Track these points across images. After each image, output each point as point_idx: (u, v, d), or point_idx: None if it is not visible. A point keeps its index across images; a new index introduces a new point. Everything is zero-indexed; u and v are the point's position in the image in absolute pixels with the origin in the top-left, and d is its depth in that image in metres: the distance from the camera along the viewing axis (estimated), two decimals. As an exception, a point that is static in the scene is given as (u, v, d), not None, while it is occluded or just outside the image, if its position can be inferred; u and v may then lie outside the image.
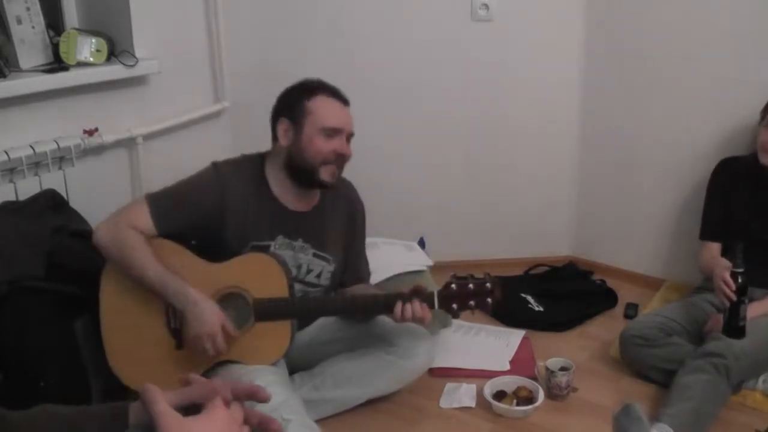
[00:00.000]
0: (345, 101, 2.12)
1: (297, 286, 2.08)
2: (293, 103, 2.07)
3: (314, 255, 2.15)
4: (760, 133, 2.42)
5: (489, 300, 1.99)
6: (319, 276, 2.16)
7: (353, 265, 2.29)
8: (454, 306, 2.00)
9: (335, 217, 2.21)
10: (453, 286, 2.00)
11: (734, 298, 2.16)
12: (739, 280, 2.17)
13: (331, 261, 2.18)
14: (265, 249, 2.05)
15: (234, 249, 2.00)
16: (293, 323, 2.02)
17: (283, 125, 2.07)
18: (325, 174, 2.05)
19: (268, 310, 1.96)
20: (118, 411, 0.88)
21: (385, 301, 2.03)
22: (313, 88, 2.09)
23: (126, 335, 1.99)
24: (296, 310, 2.02)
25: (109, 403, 0.92)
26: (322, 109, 2.05)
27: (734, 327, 2.18)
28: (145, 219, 1.95)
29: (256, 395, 0.90)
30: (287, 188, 2.10)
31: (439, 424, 2.22)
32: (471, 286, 2.00)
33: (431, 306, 2.00)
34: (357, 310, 2.12)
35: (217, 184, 2.02)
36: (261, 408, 1.00)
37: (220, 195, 2.01)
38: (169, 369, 1.98)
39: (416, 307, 1.98)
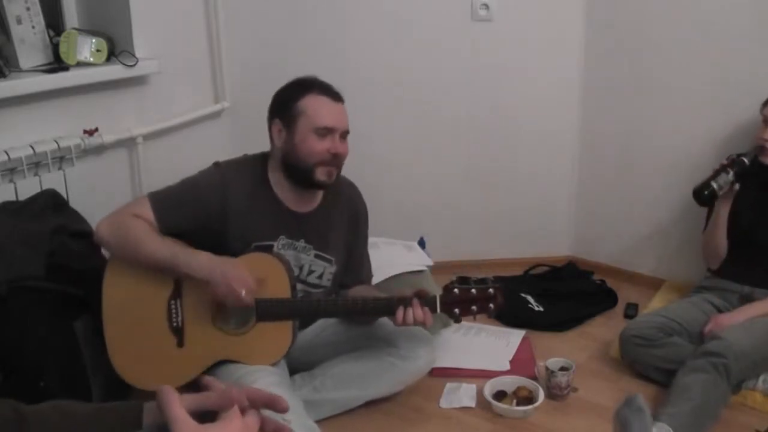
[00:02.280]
0: (338, 98, 2.07)
1: (298, 287, 2.08)
2: (285, 103, 2.05)
3: (316, 256, 2.14)
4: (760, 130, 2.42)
5: (491, 306, 1.98)
6: (320, 277, 2.16)
7: (355, 266, 2.28)
8: (456, 311, 1.98)
9: (338, 218, 2.20)
10: (455, 291, 1.98)
11: (725, 162, 2.29)
12: (739, 160, 2.30)
13: (333, 262, 2.17)
14: (267, 249, 2.05)
15: (236, 249, 2.00)
16: (295, 324, 2.01)
17: (277, 126, 2.06)
18: (321, 174, 2.03)
19: (270, 310, 1.96)
20: (132, 411, 0.87)
21: (386, 304, 2.01)
22: (305, 87, 2.05)
23: (128, 334, 1.99)
24: (298, 310, 2.01)
25: (124, 402, 0.90)
26: (313, 109, 2.02)
27: (703, 185, 2.26)
28: (147, 214, 1.95)
29: (274, 405, 0.88)
30: (288, 189, 2.09)
31: (439, 424, 2.22)
32: (474, 291, 1.98)
33: (433, 310, 1.99)
34: (358, 312, 2.08)
35: (220, 183, 2.02)
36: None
37: (222, 194, 2.01)
38: (170, 367, 1.98)
39: (418, 311, 1.96)
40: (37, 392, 1.86)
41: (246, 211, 2.03)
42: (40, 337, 1.90)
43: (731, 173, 2.30)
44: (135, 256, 1.92)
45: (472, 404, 2.28)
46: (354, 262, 2.27)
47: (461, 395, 2.32)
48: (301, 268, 2.12)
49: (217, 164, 2.08)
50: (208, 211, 2.00)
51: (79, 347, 2.01)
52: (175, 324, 1.99)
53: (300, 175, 2.04)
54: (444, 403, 2.30)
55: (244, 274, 1.89)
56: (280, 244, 2.07)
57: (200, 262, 1.90)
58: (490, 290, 1.98)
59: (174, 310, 1.98)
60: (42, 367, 1.89)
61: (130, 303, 1.98)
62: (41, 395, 1.86)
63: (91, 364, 2.03)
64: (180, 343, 1.98)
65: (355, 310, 2.07)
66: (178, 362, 1.98)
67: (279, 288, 1.97)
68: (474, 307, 1.98)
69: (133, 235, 1.91)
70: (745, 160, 2.34)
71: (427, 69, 3.04)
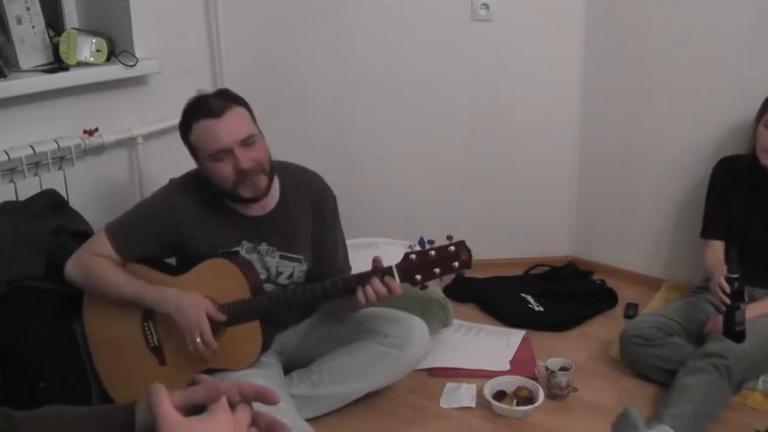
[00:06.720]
0: (219, 112, 1.92)
1: (271, 288, 2.08)
2: (183, 138, 2.01)
3: (281, 257, 2.10)
4: (760, 134, 2.39)
5: (455, 264, 1.86)
6: (290, 277, 2.13)
7: (329, 258, 2.20)
8: (418, 277, 1.87)
9: (301, 214, 2.13)
10: (412, 256, 1.88)
11: (728, 302, 2.17)
12: (735, 285, 2.17)
13: (302, 261, 2.13)
14: (234, 255, 2.04)
15: (201, 260, 2.01)
16: (264, 323, 2.01)
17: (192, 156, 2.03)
18: (244, 191, 1.96)
19: (234, 314, 1.97)
20: (125, 411, 0.87)
21: (344, 285, 1.94)
22: (188, 117, 1.97)
23: (112, 359, 2.03)
24: (260, 308, 1.98)
25: (118, 404, 0.90)
26: (200, 139, 1.94)
27: (732, 332, 2.16)
28: (107, 249, 1.98)
29: (264, 397, 0.88)
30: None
31: (439, 424, 2.22)
32: (432, 253, 1.87)
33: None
34: (319, 297, 2.00)
35: (170, 205, 2.02)
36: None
37: (171, 213, 2.01)
38: None
39: (377, 285, 1.88)
40: (37, 392, 1.86)
41: (200, 225, 2.02)
42: (40, 337, 1.90)
43: (742, 307, 2.17)
44: (103, 294, 1.96)
45: (472, 404, 2.28)
46: (327, 254, 2.19)
47: (461, 395, 2.32)
48: (268, 271, 2.09)
49: (170, 182, 2.09)
50: (163, 234, 2.01)
51: (79, 347, 2.02)
52: (152, 344, 2.01)
53: (229, 196, 2.01)
54: (444, 403, 2.30)
55: (202, 320, 1.90)
56: (243, 249, 2.06)
57: (166, 298, 1.92)
58: (451, 248, 1.86)
59: (149, 331, 2.01)
60: (42, 367, 1.89)
61: (109, 331, 2.02)
62: (41, 396, 1.86)
63: (90, 364, 2.03)
64: (162, 362, 2.00)
65: (315, 297, 2.00)
66: (164, 381, 1.97)
67: (238, 289, 1.97)
68: (437, 270, 1.87)
69: (98, 276, 1.95)
70: (736, 281, 2.18)
71: (427, 69, 3.03)
